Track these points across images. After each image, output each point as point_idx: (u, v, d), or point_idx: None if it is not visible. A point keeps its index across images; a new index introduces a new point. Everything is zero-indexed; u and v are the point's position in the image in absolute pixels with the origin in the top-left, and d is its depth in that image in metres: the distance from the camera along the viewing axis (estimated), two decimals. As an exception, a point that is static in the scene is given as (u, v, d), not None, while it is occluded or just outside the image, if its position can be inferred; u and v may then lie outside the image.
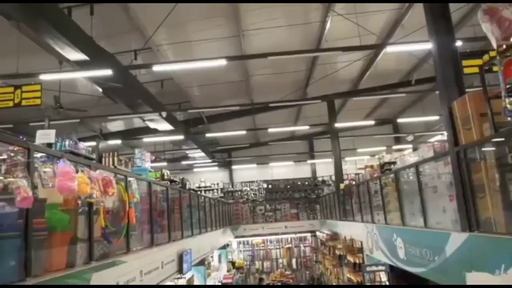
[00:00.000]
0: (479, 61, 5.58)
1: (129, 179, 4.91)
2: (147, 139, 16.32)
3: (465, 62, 5.89)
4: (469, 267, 4.46)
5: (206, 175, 23.21)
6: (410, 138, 18.94)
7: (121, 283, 4.28)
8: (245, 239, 20.57)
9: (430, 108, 15.47)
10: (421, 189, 6.00)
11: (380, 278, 9.54)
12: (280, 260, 20.86)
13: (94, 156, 7.46)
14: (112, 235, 4.38)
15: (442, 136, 15.82)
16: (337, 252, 13.25)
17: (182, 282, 10.51)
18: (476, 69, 5.51)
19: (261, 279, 18.39)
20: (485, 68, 4.51)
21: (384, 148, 18.64)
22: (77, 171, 3.44)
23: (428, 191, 5.99)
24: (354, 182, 12.26)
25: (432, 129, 19.32)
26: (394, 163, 9.08)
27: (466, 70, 5.86)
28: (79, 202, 3.71)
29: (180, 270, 7.07)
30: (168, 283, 10.32)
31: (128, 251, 4.71)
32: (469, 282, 4.55)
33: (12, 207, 2.73)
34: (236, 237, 18.90)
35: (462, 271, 4.64)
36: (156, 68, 8.86)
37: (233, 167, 23.52)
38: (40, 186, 3.08)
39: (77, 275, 3.34)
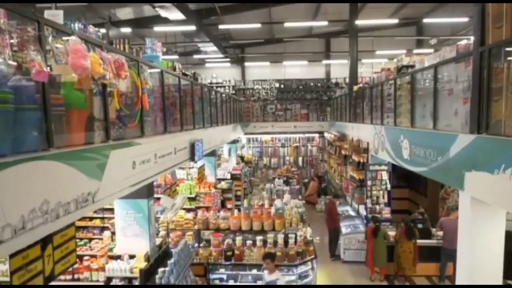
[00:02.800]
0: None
1: (141, 65, 4.88)
2: (158, 29, 15.73)
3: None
4: (470, 167, 4.63)
5: (218, 71, 22.95)
6: (433, 41, 17.96)
7: (137, 162, 4.58)
8: (254, 136, 21.25)
9: (460, 9, 14.33)
10: (436, 91, 5.91)
11: (382, 177, 10.05)
12: (287, 158, 21.83)
13: (104, 42, 7.31)
14: (126, 118, 4.54)
15: (468, 41, 14.95)
16: (343, 152, 13.74)
17: (194, 171, 11.25)
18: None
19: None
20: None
21: (404, 51, 17.82)
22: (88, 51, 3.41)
23: (443, 94, 5.90)
24: (368, 85, 12.07)
25: (458, 33, 18.17)
26: (412, 66, 8.78)
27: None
28: (93, 85, 3.77)
29: (192, 158, 7.44)
30: (181, 170, 11.06)
31: (143, 134, 4.92)
32: (466, 180, 4.77)
33: (29, 81, 2.78)
34: (246, 133, 19.50)
35: (462, 170, 4.84)
36: None
37: (246, 64, 23.05)
38: (53, 63, 3.08)
39: (96, 150, 3.55)
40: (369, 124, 10.47)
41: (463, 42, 15.64)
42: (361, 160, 11.05)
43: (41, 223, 2.72)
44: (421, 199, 12.72)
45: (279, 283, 6.20)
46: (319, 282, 8.28)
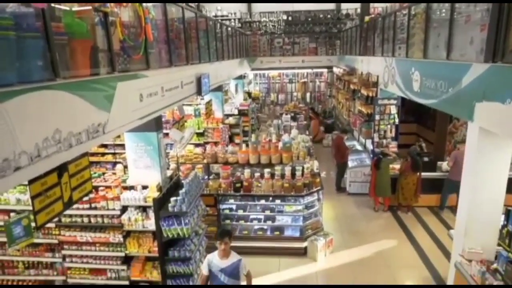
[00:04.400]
0: None
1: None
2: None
3: None
4: (481, 97, 4.55)
5: (223, 4, 21.86)
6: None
7: (144, 95, 4.57)
8: (261, 71, 20.89)
9: None
10: (452, 18, 5.61)
11: (390, 111, 9.98)
12: (294, 94, 21.64)
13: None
14: (131, 49, 4.44)
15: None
16: (352, 86, 13.52)
17: (201, 106, 11.25)
18: None
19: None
20: None
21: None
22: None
23: (459, 22, 5.61)
24: (380, 16, 11.49)
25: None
26: (429, -7, 8.26)
27: None
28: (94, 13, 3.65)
29: (199, 92, 7.40)
30: (188, 106, 11.07)
31: (148, 67, 4.85)
32: (476, 111, 4.71)
33: (27, 7, 2.70)
34: (253, 69, 19.13)
35: (472, 101, 4.76)
36: None
37: (252, -6, 21.83)
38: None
39: (102, 81, 3.53)
40: (379, 56, 10.16)
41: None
42: (370, 94, 10.91)
43: (55, 152, 2.80)
44: (429, 134, 12.75)
45: (241, 265, 4.71)
46: (325, 212, 8.65)
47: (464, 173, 5.55)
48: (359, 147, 12.37)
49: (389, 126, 10.17)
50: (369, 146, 11.08)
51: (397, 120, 10.13)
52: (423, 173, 9.20)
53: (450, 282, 5.86)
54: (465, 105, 4.94)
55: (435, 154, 10.69)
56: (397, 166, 9.47)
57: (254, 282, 6.63)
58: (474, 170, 5.17)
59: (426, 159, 9.64)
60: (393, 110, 10.03)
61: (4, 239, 5.65)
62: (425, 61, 6.71)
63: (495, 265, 4.96)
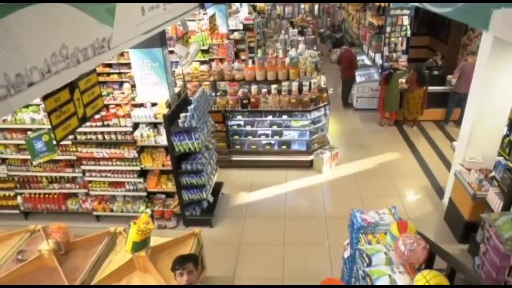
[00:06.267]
0: None
1: None
2: None
3: None
4: (499, 3, 4.31)
5: None
6: None
7: (146, 8, 4.39)
8: (267, -19, 19.52)
9: None
10: None
11: (402, 22, 9.53)
12: (302, 6, 20.47)
13: None
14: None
15: None
16: (363, -4, 12.73)
17: (205, 22, 10.81)
18: None
19: None
20: None
21: None
22: None
23: None
24: None
25: None
26: None
27: None
28: None
29: (201, 5, 7.07)
30: (192, 22, 10.65)
31: (148, -23, 4.60)
32: (493, 19, 4.50)
33: None
34: (258, -22, 17.87)
35: (490, 8, 4.52)
36: None
37: None
38: None
39: (102, -7, 3.40)
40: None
41: None
42: (382, 5, 10.32)
43: (64, 67, 2.83)
44: (441, 47, 12.32)
45: None
46: (331, 127, 8.81)
47: (473, 84, 5.52)
48: (367, 62, 12.09)
49: (400, 38, 9.81)
50: (378, 60, 10.81)
51: (409, 32, 9.74)
52: (431, 87, 9.12)
53: (448, 190, 6.19)
54: (482, 12, 4.70)
55: (446, 68, 10.47)
56: (402, 79, 9.36)
57: (264, 191, 7.15)
58: (483, 81, 5.12)
59: (436, 72, 9.47)
60: (406, 21, 9.58)
61: (28, 157, 6.00)
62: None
63: (493, 173, 5.19)
